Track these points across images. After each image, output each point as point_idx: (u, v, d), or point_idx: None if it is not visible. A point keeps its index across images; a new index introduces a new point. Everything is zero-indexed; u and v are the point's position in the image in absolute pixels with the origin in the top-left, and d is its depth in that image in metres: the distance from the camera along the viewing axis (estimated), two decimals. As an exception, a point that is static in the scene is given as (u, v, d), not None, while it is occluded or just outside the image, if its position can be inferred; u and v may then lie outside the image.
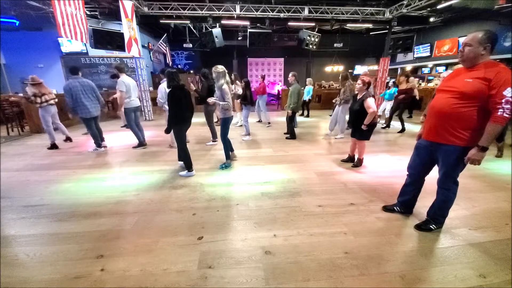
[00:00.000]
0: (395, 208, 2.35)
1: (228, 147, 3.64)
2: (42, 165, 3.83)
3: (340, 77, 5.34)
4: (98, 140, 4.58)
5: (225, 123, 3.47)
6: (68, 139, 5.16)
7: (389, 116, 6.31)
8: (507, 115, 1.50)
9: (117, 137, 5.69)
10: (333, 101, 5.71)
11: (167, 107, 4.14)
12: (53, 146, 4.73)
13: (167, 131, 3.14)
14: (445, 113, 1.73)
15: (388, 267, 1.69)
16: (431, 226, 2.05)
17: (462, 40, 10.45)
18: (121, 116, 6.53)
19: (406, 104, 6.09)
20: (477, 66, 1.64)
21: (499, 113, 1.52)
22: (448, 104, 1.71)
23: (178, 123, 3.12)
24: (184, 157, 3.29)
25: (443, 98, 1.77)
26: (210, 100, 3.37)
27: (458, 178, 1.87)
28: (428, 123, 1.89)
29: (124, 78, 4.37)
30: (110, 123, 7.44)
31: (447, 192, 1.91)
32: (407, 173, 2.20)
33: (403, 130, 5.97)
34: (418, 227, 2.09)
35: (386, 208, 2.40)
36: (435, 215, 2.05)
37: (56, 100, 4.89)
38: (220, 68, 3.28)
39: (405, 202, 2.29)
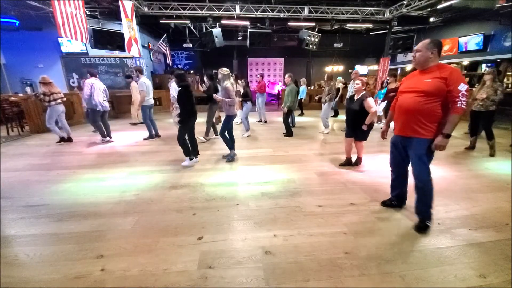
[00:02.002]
0: (392, 202, 2.47)
1: (228, 141, 3.86)
2: (42, 165, 3.83)
3: (325, 77, 5.78)
4: (104, 131, 5.08)
5: (229, 119, 3.76)
6: (69, 139, 5.21)
7: (385, 116, 6.34)
8: (464, 106, 1.78)
9: (118, 136, 5.68)
10: (316, 97, 5.99)
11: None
12: (62, 139, 5.07)
13: (181, 122, 3.51)
14: (413, 110, 1.95)
15: (388, 267, 1.69)
16: (427, 223, 2.09)
17: (461, 40, 10.47)
18: (132, 114, 7.26)
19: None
20: (430, 68, 1.91)
21: (458, 105, 1.78)
22: (415, 102, 1.94)
23: (190, 116, 3.58)
24: (182, 146, 3.58)
25: (408, 97, 2.00)
26: (217, 97, 3.70)
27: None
28: (399, 121, 2.12)
29: (144, 79, 5.09)
30: (111, 123, 7.42)
31: (424, 184, 2.02)
32: (391, 169, 2.40)
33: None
34: (417, 228, 2.09)
35: (385, 203, 2.50)
36: (423, 210, 2.10)
37: (65, 99, 5.12)
38: (225, 70, 3.63)
39: (397, 196, 2.43)
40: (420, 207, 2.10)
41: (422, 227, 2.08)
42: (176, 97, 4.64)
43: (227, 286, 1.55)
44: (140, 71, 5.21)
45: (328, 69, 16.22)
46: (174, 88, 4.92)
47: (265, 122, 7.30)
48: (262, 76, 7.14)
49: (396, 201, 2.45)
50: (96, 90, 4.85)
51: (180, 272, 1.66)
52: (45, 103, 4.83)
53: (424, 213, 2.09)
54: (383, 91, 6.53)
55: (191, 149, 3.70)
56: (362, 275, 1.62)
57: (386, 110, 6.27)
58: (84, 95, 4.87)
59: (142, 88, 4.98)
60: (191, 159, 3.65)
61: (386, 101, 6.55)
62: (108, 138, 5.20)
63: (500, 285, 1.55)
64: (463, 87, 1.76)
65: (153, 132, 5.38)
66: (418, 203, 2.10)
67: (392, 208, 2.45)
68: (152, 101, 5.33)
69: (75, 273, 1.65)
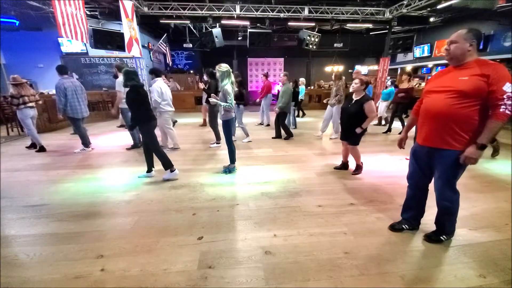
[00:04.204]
0: (404, 226, 2.09)
1: (233, 151, 3.43)
2: (42, 165, 3.83)
3: (333, 77, 5.26)
4: (86, 140, 4.55)
5: (227, 125, 3.26)
6: (32, 146, 4.69)
7: (390, 119, 6.06)
8: (509, 112, 1.42)
9: (117, 137, 5.69)
10: (324, 101, 5.65)
11: (165, 107, 4.14)
12: (41, 149, 4.54)
13: (132, 128, 2.96)
14: (443, 115, 1.61)
15: (388, 267, 1.69)
16: (441, 237, 1.91)
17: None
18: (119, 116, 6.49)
19: (406, 104, 5.80)
20: (467, 64, 1.58)
21: (501, 110, 1.44)
22: (447, 105, 1.59)
23: (146, 121, 3.00)
24: (161, 157, 3.11)
25: (438, 99, 1.64)
26: (212, 100, 3.21)
27: (456, 186, 1.76)
28: (425, 128, 1.75)
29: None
30: (110, 123, 7.44)
31: (450, 203, 1.77)
32: (408, 184, 2.03)
33: (392, 130, 5.95)
34: (428, 238, 1.94)
35: (393, 228, 2.10)
36: (444, 226, 1.90)
37: (40, 102, 4.58)
38: (224, 67, 3.08)
39: (412, 218, 2.07)
40: (442, 223, 1.90)
41: (435, 240, 1.92)
42: (158, 100, 3.96)
43: (227, 286, 1.55)
44: (119, 68, 4.26)
45: (328, 69, 16.23)
46: (155, 90, 4.08)
47: (268, 125, 6.89)
48: (266, 76, 6.64)
49: (409, 224, 2.08)
50: (70, 93, 4.16)
51: (180, 272, 1.66)
52: (14, 106, 4.30)
53: (448, 229, 1.90)
54: (387, 91, 6.45)
55: (147, 162, 3.24)
56: (362, 275, 1.62)
57: (394, 111, 5.92)
58: (57, 102, 4.15)
59: (119, 88, 4.17)
60: (172, 170, 3.17)
61: (386, 102, 6.47)
62: (90, 149, 4.61)
63: (500, 285, 1.55)
64: (509, 87, 1.41)
65: (138, 141, 4.63)
66: (441, 219, 1.89)
67: (394, 210, 2.44)
68: None
69: (75, 273, 1.66)
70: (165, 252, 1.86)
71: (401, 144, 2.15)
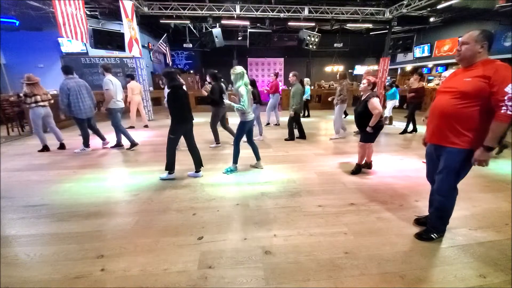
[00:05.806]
0: (428, 220, 2.11)
1: (238, 151, 3.45)
2: (42, 165, 3.83)
3: (338, 76, 5.21)
4: (88, 141, 4.58)
5: (243, 126, 3.26)
6: (61, 146, 4.71)
7: (408, 120, 5.93)
8: (510, 113, 1.43)
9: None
10: (329, 99, 5.60)
11: None
12: (45, 148, 4.57)
13: (172, 131, 3.04)
14: (446, 114, 1.69)
15: (388, 267, 1.69)
16: (432, 235, 1.94)
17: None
18: (131, 117, 6.75)
19: (417, 104, 5.73)
20: (474, 65, 1.62)
21: (502, 111, 1.46)
22: (449, 105, 1.67)
23: (180, 122, 3.05)
24: (169, 158, 3.14)
25: (443, 99, 1.73)
26: (226, 102, 3.28)
27: (458, 185, 1.80)
28: (431, 126, 1.83)
29: (110, 77, 4.31)
30: (109, 123, 7.43)
31: (445, 199, 1.82)
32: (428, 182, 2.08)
33: (405, 131, 5.88)
34: (419, 236, 1.98)
35: (418, 222, 2.17)
36: (436, 223, 1.94)
37: (52, 101, 4.63)
38: (239, 69, 3.12)
39: None
40: (434, 220, 1.94)
41: (425, 238, 1.95)
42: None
43: (227, 286, 1.55)
44: (105, 68, 4.37)
45: (328, 69, 16.23)
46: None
47: (268, 124, 6.89)
48: (276, 75, 6.63)
49: None
50: (73, 94, 4.14)
51: (180, 272, 1.66)
52: (26, 105, 4.34)
53: (437, 227, 1.95)
54: (390, 91, 6.46)
55: (194, 161, 3.30)
56: (362, 275, 1.63)
57: (412, 112, 5.76)
58: (59, 103, 4.16)
59: (107, 87, 4.18)
60: (170, 173, 3.19)
61: (394, 101, 6.48)
62: (90, 149, 4.64)
63: (500, 285, 1.55)
64: (510, 88, 1.42)
65: (133, 139, 4.67)
66: (433, 215, 1.94)
67: (394, 210, 2.45)
68: (121, 104, 4.52)
69: (76, 273, 1.66)
70: (165, 252, 1.86)
71: (424, 142, 2.05)
